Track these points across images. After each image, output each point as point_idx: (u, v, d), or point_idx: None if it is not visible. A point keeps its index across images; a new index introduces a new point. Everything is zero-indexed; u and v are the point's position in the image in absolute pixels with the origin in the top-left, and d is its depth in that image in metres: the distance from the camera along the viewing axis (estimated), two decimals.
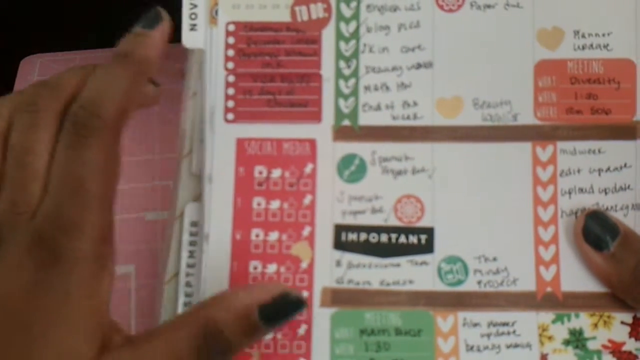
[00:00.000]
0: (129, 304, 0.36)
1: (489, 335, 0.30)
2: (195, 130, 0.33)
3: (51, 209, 0.25)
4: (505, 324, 0.30)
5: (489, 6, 0.32)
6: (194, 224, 0.32)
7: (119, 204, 0.43)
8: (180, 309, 0.31)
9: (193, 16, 0.33)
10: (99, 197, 0.25)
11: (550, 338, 0.30)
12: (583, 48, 0.31)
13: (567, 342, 0.30)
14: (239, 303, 0.26)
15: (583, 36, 0.31)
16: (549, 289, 0.31)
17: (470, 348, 0.30)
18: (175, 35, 0.58)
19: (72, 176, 0.25)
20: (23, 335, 0.24)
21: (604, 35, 0.31)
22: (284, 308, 0.27)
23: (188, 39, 0.33)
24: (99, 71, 0.26)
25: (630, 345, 0.30)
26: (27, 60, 0.54)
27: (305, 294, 0.31)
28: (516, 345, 0.30)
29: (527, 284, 0.31)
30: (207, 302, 0.27)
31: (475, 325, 0.30)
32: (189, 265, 0.32)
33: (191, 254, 0.32)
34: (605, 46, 0.31)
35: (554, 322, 0.30)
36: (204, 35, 0.33)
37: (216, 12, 0.33)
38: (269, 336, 0.30)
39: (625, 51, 0.31)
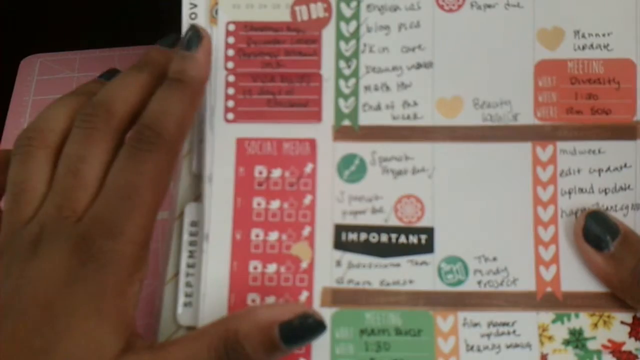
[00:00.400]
0: None
1: (489, 335, 0.30)
2: (195, 130, 0.32)
3: (99, 212, 0.26)
4: (505, 324, 0.30)
5: (489, 6, 0.32)
6: (194, 223, 0.32)
7: None
8: (180, 309, 0.31)
9: (193, 16, 0.32)
10: (147, 205, 0.27)
11: (550, 338, 0.30)
12: (583, 48, 0.31)
13: (567, 342, 0.30)
14: (261, 318, 0.27)
15: (583, 36, 0.31)
16: (548, 289, 0.30)
17: (470, 348, 0.30)
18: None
19: (128, 183, 0.26)
20: (52, 325, 0.25)
21: (604, 35, 0.31)
22: (304, 328, 0.27)
23: None
24: (160, 94, 0.28)
25: (630, 345, 0.30)
26: (27, 60, 0.54)
27: (305, 293, 0.31)
28: (516, 345, 0.30)
29: (527, 284, 0.30)
30: (229, 315, 0.28)
31: (476, 325, 0.30)
32: (189, 266, 0.31)
33: (191, 254, 0.32)
34: (606, 46, 0.31)
35: (553, 322, 0.30)
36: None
37: (216, 11, 0.32)
38: None
39: (626, 51, 0.31)
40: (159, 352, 0.26)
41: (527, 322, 0.30)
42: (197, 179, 0.32)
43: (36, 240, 0.26)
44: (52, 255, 0.26)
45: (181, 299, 0.31)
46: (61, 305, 0.25)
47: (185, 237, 0.32)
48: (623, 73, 0.31)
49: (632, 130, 0.31)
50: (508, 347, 0.30)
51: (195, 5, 0.32)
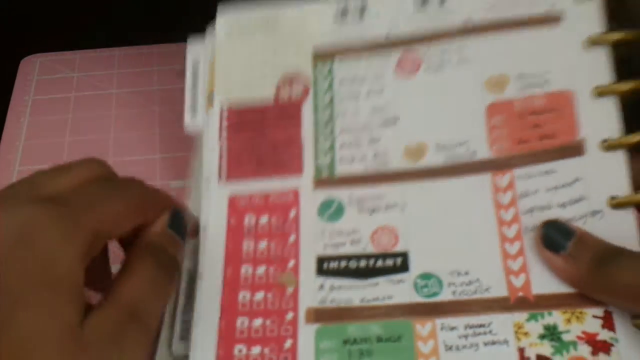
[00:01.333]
0: None
1: (466, 336, 0.31)
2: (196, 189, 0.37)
3: None
4: (481, 326, 0.32)
5: (441, 66, 0.37)
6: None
7: None
8: (180, 310, 0.34)
9: (194, 105, 0.39)
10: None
11: (526, 334, 0.31)
12: (527, 87, 0.35)
13: (542, 337, 0.31)
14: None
15: (526, 77, 0.35)
16: (520, 294, 0.32)
17: (449, 348, 0.31)
18: (176, 35, 0.58)
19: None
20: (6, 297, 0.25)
21: (545, 73, 0.35)
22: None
23: (189, 124, 0.39)
24: (146, 274, 0.29)
25: (604, 335, 0.31)
26: (27, 60, 0.54)
27: (291, 314, 0.33)
28: (493, 343, 0.31)
29: (499, 291, 0.32)
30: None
31: (453, 328, 0.32)
32: (185, 304, 0.34)
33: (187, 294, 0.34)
34: (546, 82, 0.35)
35: (528, 320, 0.31)
36: (202, 118, 0.38)
37: (212, 96, 0.38)
38: (256, 351, 0.32)
39: (564, 83, 0.35)
40: (111, 295, 0.27)
41: (503, 322, 0.31)
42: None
43: None
44: None
45: (177, 333, 0.33)
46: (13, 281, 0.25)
47: (183, 285, 0.35)
48: (562, 102, 0.35)
49: (578, 148, 0.34)
50: (486, 344, 0.31)
51: (195, 95, 0.39)
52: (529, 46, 0.36)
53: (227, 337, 0.32)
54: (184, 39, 0.56)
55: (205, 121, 0.38)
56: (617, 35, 0.34)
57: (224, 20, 0.39)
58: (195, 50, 0.40)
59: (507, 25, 0.36)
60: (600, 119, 0.33)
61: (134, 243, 0.30)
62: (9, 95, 0.51)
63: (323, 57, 0.38)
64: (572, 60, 0.35)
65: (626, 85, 0.33)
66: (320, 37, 0.38)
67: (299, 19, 0.39)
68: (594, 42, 0.34)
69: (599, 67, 0.34)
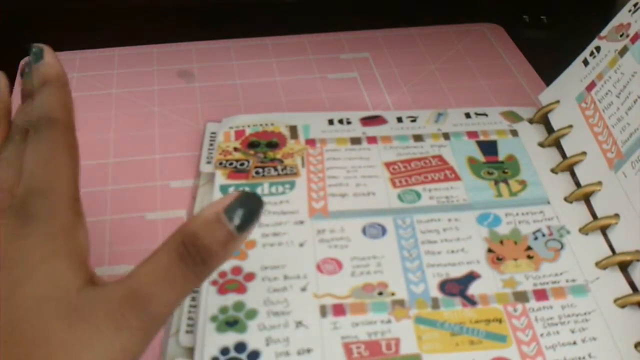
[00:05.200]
0: None
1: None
2: None
3: (27, 183, 0.28)
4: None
5: None
6: None
7: (119, 204, 0.42)
8: (186, 305, 0.36)
9: (209, 157, 0.45)
10: (67, 165, 0.29)
11: None
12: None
13: None
14: (208, 212, 0.28)
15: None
16: None
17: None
18: (175, 35, 0.58)
19: (43, 154, 0.29)
20: (8, 274, 0.26)
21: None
22: (243, 200, 0.28)
23: (205, 168, 0.44)
24: (42, 94, 0.32)
25: None
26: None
27: None
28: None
29: None
30: (181, 225, 0.29)
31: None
32: (191, 306, 0.36)
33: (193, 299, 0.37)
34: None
35: None
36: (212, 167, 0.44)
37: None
38: None
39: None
40: (124, 278, 0.27)
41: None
42: None
43: None
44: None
45: (183, 328, 0.35)
46: (15, 255, 0.26)
47: None
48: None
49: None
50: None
51: (211, 149, 0.46)
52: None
53: None
54: (184, 39, 0.56)
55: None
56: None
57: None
58: (212, 127, 0.48)
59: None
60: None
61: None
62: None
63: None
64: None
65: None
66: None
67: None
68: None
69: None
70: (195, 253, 0.27)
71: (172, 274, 0.27)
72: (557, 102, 0.46)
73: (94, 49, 0.56)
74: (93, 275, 0.27)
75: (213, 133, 0.46)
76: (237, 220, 0.27)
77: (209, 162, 0.44)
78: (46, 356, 0.25)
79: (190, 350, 0.34)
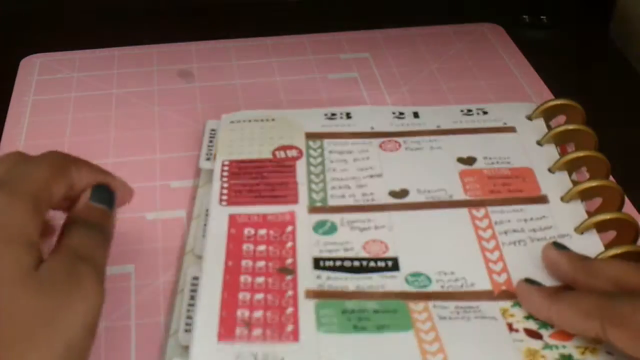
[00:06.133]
0: (129, 304, 0.36)
1: (457, 312, 0.35)
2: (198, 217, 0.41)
3: None
4: (470, 307, 0.35)
5: (418, 149, 0.44)
6: (195, 278, 0.38)
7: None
8: (185, 307, 0.36)
9: (207, 154, 0.45)
10: None
11: (512, 315, 0.35)
12: (492, 164, 0.43)
13: (527, 317, 0.35)
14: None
15: (490, 158, 0.44)
16: (503, 287, 0.36)
17: (442, 318, 0.35)
18: (175, 36, 0.58)
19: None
20: None
21: (506, 157, 0.44)
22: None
23: (204, 164, 0.44)
24: (80, 233, 0.33)
25: None
26: (27, 60, 0.54)
27: (290, 292, 0.36)
28: (483, 317, 0.35)
29: (484, 286, 0.36)
30: None
31: (444, 308, 0.35)
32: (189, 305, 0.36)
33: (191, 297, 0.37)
34: (509, 162, 0.43)
35: (512, 306, 0.36)
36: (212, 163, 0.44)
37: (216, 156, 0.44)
38: (258, 314, 0.34)
39: (523, 164, 0.43)
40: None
41: (489, 306, 0.35)
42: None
43: None
44: None
45: (182, 327, 0.35)
46: None
47: (186, 290, 0.37)
48: (524, 173, 0.43)
49: (542, 199, 0.41)
50: (476, 318, 0.35)
51: (211, 145, 0.46)
52: (492, 142, 0.45)
53: (229, 304, 0.35)
54: (184, 39, 0.56)
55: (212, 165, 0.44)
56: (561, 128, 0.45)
57: (227, 116, 0.47)
58: (212, 124, 0.48)
59: (471, 131, 0.46)
60: (556, 185, 0.42)
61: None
62: (9, 95, 0.51)
63: (314, 137, 0.45)
64: (528, 152, 0.44)
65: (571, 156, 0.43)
66: (312, 128, 0.46)
67: (294, 115, 0.47)
68: (541, 143, 0.45)
69: (549, 155, 0.44)
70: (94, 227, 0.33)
71: (92, 238, 0.32)
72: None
73: (93, 49, 0.56)
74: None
75: (213, 130, 0.46)
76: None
77: (208, 159, 0.44)
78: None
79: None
